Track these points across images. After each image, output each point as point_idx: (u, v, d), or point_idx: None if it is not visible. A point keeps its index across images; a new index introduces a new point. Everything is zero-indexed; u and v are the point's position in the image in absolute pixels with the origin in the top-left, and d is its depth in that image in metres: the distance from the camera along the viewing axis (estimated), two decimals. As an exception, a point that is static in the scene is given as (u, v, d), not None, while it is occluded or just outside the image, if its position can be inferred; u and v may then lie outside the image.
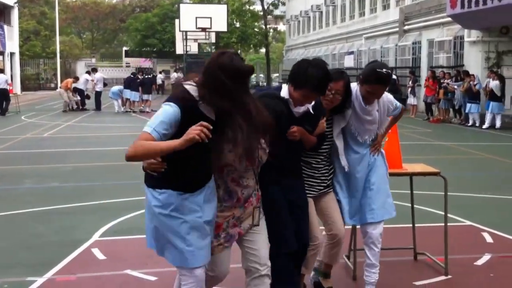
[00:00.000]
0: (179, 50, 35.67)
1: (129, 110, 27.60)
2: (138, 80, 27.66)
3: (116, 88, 28.16)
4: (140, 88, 27.36)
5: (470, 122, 20.98)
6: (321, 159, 4.64)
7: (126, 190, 9.50)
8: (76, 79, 28.47)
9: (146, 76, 29.80)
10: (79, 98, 27.90)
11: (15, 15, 44.62)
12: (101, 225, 7.50)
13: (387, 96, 4.85)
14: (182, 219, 3.60)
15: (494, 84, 19.88)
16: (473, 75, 20.89)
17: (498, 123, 20.01)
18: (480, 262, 6.02)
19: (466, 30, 22.86)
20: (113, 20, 70.16)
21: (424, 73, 26.13)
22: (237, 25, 51.68)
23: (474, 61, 22.56)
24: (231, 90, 3.42)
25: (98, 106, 27.98)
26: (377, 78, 4.53)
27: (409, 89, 24.98)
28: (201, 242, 3.65)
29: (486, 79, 20.71)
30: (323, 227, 4.83)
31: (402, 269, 5.85)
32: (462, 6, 20.60)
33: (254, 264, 3.90)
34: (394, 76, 22.78)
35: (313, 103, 4.20)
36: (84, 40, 76.29)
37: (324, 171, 4.67)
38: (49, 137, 17.63)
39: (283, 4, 56.69)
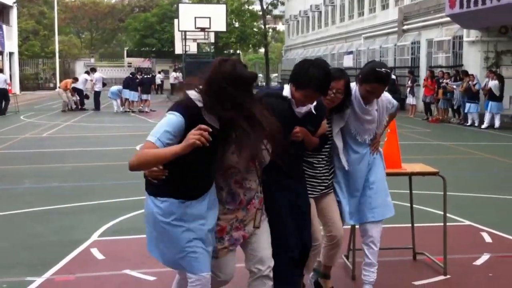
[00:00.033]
0: (178, 50, 35.68)
1: (128, 110, 27.59)
2: (137, 80, 27.66)
3: (115, 88, 28.15)
4: (139, 88, 27.36)
5: (469, 122, 20.99)
6: (322, 158, 4.64)
7: (125, 190, 9.49)
8: (76, 79, 28.45)
9: (145, 76, 29.79)
10: (78, 98, 27.89)
11: (14, 14, 44.57)
12: (100, 225, 7.50)
13: (386, 95, 4.86)
14: (184, 227, 3.59)
15: (493, 84, 19.89)
16: (472, 75, 20.90)
17: (497, 123, 20.02)
18: (479, 262, 6.03)
19: (465, 30, 22.87)
20: (112, 20, 70.13)
21: (423, 73, 26.14)
22: (236, 25, 51.73)
23: (473, 61, 22.57)
24: (235, 98, 3.39)
25: (97, 106, 27.98)
26: (376, 77, 4.53)
27: (408, 89, 25.00)
28: (205, 249, 3.65)
29: (485, 79, 20.72)
30: (321, 228, 4.83)
31: (401, 269, 5.85)
32: (461, 6, 20.61)
33: (256, 265, 3.90)
34: (393, 76, 22.81)
35: (315, 103, 4.20)
36: (83, 40, 76.25)
37: (324, 171, 4.67)
38: (48, 137, 17.62)
39: (282, 4, 56.69)
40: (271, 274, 3.94)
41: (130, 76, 28.42)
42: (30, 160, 13.15)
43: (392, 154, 5.49)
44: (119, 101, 27.56)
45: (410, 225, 6.04)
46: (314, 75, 3.98)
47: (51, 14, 55.91)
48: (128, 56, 58.35)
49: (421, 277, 5.56)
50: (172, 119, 3.43)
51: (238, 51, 58.42)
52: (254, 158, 3.65)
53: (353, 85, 4.67)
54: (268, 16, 57.92)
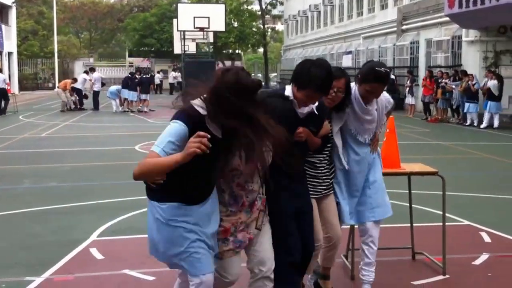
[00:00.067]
0: (177, 49, 35.68)
1: (127, 110, 27.60)
2: (136, 80, 27.65)
3: (114, 87, 28.16)
4: (138, 88, 27.35)
5: (468, 122, 21.00)
6: (324, 157, 4.65)
7: (124, 190, 9.49)
8: (75, 80, 28.44)
9: (144, 76, 29.79)
10: (77, 97, 27.88)
11: (13, 14, 44.57)
12: (99, 225, 7.50)
13: (385, 95, 4.86)
14: (186, 228, 3.59)
15: (492, 83, 19.89)
16: (471, 74, 20.91)
17: (496, 123, 20.03)
18: (478, 261, 6.03)
19: (464, 30, 22.87)
20: (111, 19, 70.09)
21: (422, 72, 26.15)
22: (235, 24, 51.72)
23: (472, 61, 22.58)
24: (238, 108, 3.38)
25: (96, 106, 27.97)
26: (376, 76, 4.53)
27: (407, 89, 25.01)
28: (208, 250, 3.65)
29: (484, 79, 20.73)
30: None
31: (400, 269, 5.85)
32: (460, 6, 20.61)
33: (257, 266, 3.91)
34: (392, 76, 22.82)
35: (316, 103, 4.20)
36: (82, 40, 76.19)
37: (326, 171, 4.67)
38: (47, 137, 17.61)
39: (281, 3, 56.69)
40: (272, 276, 3.94)
41: (129, 76, 28.43)
42: (28, 160, 13.15)
43: (391, 154, 5.50)
44: (118, 101, 27.56)
45: (409, 225, 6.04)
46: (316, 74, 3.98)
47: (50, 14, 55.88)
48: (130, 56, 58.41)
49: (420, 277, 5.56)
50: (176, 128, 3.44)
51: (237, 51, 58.43)
52: (260, 165, 3.67)
53: (353, 85, 4.67)
54: (267, 16, 57.94)
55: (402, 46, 28.73)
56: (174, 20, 33.49)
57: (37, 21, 58.59)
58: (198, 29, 28.68)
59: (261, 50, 60.79)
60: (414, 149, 14.22)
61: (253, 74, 58.28)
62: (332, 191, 4.77)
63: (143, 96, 27.68)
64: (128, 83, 27.39)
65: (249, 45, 55.78)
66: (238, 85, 3.40)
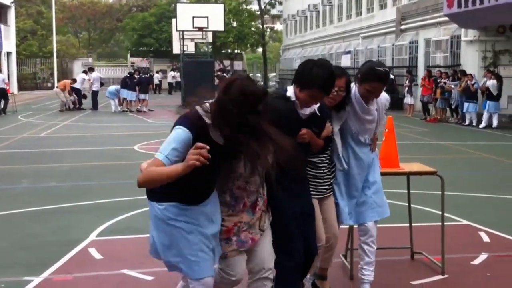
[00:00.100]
0: (176, 49, 35.61)
1: (126, 109, 27.61)
2: (135, 80, 27.66)
3: (113, 87, 28.17)
4: (137, 88, 27.36)
5: (467, 122, 21.01)
6: (325, 157, 4.65)
7: (123, 190, 9.49)
8: (74, 81, 28.44)
9: (143, 76, 29.77)
10: (75, 97, 27.87)
11: (11, 14, 44.55)
12: (98, 224, 7.50)
13: (383, 94, 4.87)
14: (186, 230, 3.59)
15: (491, 83, 19.90)
16: (470, 74, 20.92)
17: (495, 122, 20.04)
18: (476, 261, 6.03)
19: (463, 30, 22.88)
20: (110, 19, 70.08)
21: (421, 72, 26.16)
22: (234, 24, 51.67)
23: (471, 61, 22.59)
24: (243, 121, 3.37)
25: (95, 106, 27.97)
26: (376, 76, 4.54)
27: (406, 89, 25.01)
28: (207, 253, 3.64)
29: (482, 79, 20.74)
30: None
31: (399, 269, 5.85)
32: (459, 6, 20.62)
33: (256, 266, 3.91)
34: (391, 76, 22.80)
35: (318, 105, 4.19)
36: (81, 39, 76.15)
37: (326, 171, 4.68)
38: (46, 136, 17.61)
39: (280, 3, 56.69)
40: (271, 276, 3.95)
41: (128, 75, 28.43)
42: (28, 160, 13.14)
43: (390, 153, 5.50)
44: (117, 100, 27.56)
45: (408, 224, 6.04)
46: (318, 74, 3.98)
47: (49, 14, 55.85)
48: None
49: (419, 276, 5.56)
50: (180, 134, 3.45)
51: (238, 51, 58.39)
52: (263, 169, 3.69)
53: (352, 85, 4.67)
54: (266, 16, 57.90)
55: (401, 46, 28.74)
56: (173, 20, 33.41)
57: (36, 21, 58.62)
58: (197, 29, 28.65)
59: (260, 50, 60.76)
60: (413, 149, 14.23)
61: (251, 74, 58.34)
62: (332, 192, 4.77)
63: (142, 96, 27.67)
64: (127, 83, 27.41)
65: (248, 45, 55.75)
66: (242, 97, 3.38)
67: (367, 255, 4.90)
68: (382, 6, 32.46)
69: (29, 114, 25.27)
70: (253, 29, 54.32)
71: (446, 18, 23.06)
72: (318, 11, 44.12)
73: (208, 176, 3.59)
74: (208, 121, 3.47)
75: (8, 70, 40.75)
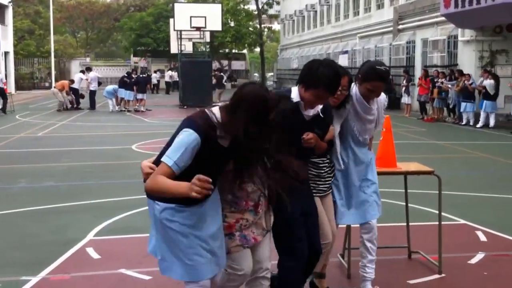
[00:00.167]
0: (174, 49, 35.65)
1: (124, 109, 27.62)
2: (133, 79, 27.65)
3: (110, 87, 28.15)
4: (134, 87, 27.36)
5: (464, 121, 21.03)
6: (326, 157, 4.67)
7: (120, 189, 9.49)
8: (72, 82, 28.41)
9: (141, 75, 29.75)
10: (73, 97, 27.85)
11: (9, 14, 44.50)
12: (96, 224, 7.49)
13: (381, 94, 4.88)
14: (184, 233, 3.57)
15: (488, 83, 19.93)
16: (468, 74, 20.95)
17: (492, 122, 20.06)
18: (473, 260, 6.05)
19: (460, 30, 22.92)
20: (107, 19, 70.01)
21: (418, 72, 26.19)
22: (232, 24, 51.70)
23: (468, 60, 22.63)
24: (255, 127, 3.39)
25: (92, 105, 27.96)
26: (377, 75, 4.55)
27: (403, 88, 25.04)
28: (204, 257, 3.61)
29: (479, 78, 20.77)
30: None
31: (396, 268, 5.86)
32: (456, 6, 20.66)
33: (254, 265, 3.92)
34: (389, 75, 22.81)
35: (321, 106, 4.19)
36: (78, 39, 76.08)
37: (328, 170, 4.70)
38: (44, 136, 17.59)
39: (278, 3, 56.71)
40: (268, 275, 3.96)
41: (126, 75, 28.42)
42: (25, 160, 13.13)
43: (387, 153, 5.51)
44: (114, 100, 27.55)
45: (405, 224, 6.05)
46: (324, 74, 3.98)
47: (46, 14, 55.77)
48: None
49: (416, 275, 5.57)
50: (189, 138, 3.41)
51: (235, 50, 58.39)
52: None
53: (352, 85, 4.69)
54: (264, 16, 57.87)
55: (398, 45, 28.77)
56: (171, 20, 33.42)
57: (33, 20, 58.57)
58: (195, 29, 28.67)
59: (257, 49, 60.77)
60: (410, 149, 14.24)
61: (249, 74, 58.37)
62: (331, 191, 4.79)
63: (139, 96, 27.67)
64: (125, 82, 27.40)
65: (246, 45, 55.78)
66: (255, 104, 3.40)
67: (370, 253, 4.93)
68: (379, 6, 32.49)
69: (26, 114, 25.24)
70: (250, 29, 54.36)
71: (443, 18, 23.10)
72: (316, 11, 44.15)
73: (210, 176, 3.57)
74: (216, 123, 3.45)
75: (5, 70, 40.71)
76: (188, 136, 3.41)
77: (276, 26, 65.96)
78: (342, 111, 4.64)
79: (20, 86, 46.58)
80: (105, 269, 5.88)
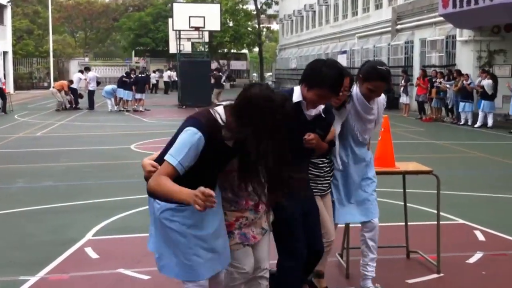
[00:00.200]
0: (173, 49, 35.63)
1: (123, 109, 27.60)
2: (132, 79, 27.65)
3: (109, 87, 28.14)
4: (133, 87, 27.36)
5: (462, 121, 21.05)
6: (326, 157, 4.67)
7: (119, 189, 9.48)
8: (71, 82, 28.41)
9: (140, 75, 29.77)
10: (72, 97, 27.85)
11: (8, 14, 44.49)
12: (94, 224, 7.50)
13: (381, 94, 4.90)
14: (183, 233, 3.55)
15: (486, 83, 19.95)
16: (466, 74, 20.97)
17: (490, 122, 20.08)
18: (472, 260, 6.05)
19: (458, 30, 22.94)
20: (106, 19, 69.97)
21: (416, 72, 26.21)
22: (230, 24, 51.71)
23: (466, 60, 22.64)
24: (260, 127, 3.37)
25: (91, 105, 27.95)
26: (378, 75, 4.56)
27: (402, 88, 25.06)
28: (203, 257, 3.59)
29: (477, 78, 20.79)
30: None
31: (394, 267, 5.87)
32: (454, 6, 20.67)
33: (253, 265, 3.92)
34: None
35: (323, 106, 4.20)
36: (77, 39, 76.04)
37: (327, 169, 4.71)
38: (42, 136, 17.59)
39: (276, 3, 56.73)
40: (266, 275, 3.95)
41: (125, 75, 28.42)
42: (24, 159, 13.13)
43: (385, 153, 5.51)
44: (113, 100, 27.55)
45: (403, 223, 6.06)
46: (327, 74, 3.97)
47: (45, 14, 55.75)
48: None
49: (414, 275, 5.58)
50: (194, 138, 3.36)
51: (233, 50, 58.39)
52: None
53: (353, 85, 4.70)
54: (262, 16, 57.94)
55: (397, 45, 28.79)
56: (170, 20, 33.43)
57: (32, 20, 58.53)
58: (194, 29, 28.67)
59: (256, 49, 60.81)
60: (409, 148, 14.26)
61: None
62: (330, 191, 4.80)
63: (138, 96, 27.67)
64: (123, 82, 27.39)
65: (244, 45, 55.80)
66: (261, 103, 3.37)
67: (372, 251, 4.95)
68: (378, 6, 32.51)
69: (25, 114, 25.24)
70: (249, 28, 54.39)
71: (441, 18, 23.12)
72: (314, 11, 44.16)
73: (210, 178, 3.57)
74: (221, 122, 3.42)
75: (4, 70, 40.73)
76: (192, 135, 3.36)
77: (274, 26, 66.00)
78: (342, 111, 4.65)
79: (18, 86, 46.56)
80: (104, 269, 5.88)
